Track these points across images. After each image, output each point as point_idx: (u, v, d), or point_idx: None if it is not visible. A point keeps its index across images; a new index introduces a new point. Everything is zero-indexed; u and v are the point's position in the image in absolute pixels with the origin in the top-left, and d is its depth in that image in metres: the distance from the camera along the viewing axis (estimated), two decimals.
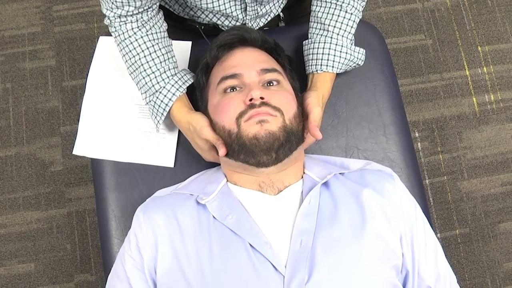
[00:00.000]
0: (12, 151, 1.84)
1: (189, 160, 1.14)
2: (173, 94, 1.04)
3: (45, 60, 1.92)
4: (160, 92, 1.05)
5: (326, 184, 0.95)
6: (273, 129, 0.89)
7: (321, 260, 0.83)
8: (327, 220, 0.89)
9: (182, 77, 1.08)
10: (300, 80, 1.10)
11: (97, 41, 1.21)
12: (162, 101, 1.05)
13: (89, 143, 1.16)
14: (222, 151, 0.93)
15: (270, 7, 1.19)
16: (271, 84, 0.96)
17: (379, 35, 1.26)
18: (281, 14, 1.27)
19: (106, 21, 1.07)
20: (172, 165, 1.13)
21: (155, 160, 1.14)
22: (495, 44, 1.97)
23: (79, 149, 1.16)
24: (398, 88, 1.22)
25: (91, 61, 1.20)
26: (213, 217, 0.90)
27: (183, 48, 1.19)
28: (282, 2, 1.24)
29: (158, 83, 1.05)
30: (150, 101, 1.07)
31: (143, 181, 1.13)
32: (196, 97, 1.07)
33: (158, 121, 1.07)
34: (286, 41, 1.17)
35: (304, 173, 0.98)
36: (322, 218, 0.89)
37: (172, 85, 1.05)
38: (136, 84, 1.10)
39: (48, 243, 1.77)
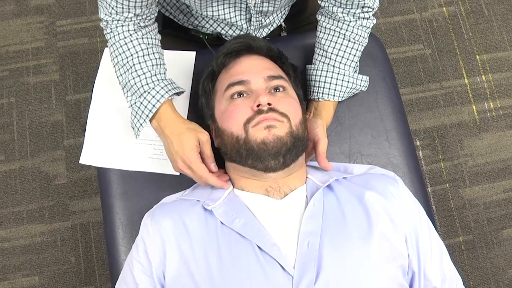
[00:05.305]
0: (16, 165, 1.84)
1: None
2: (162, 95, 1.04)
3: (48, 75, 1.94)
4: (149, 93, 1.04)
5: (330, 187, 0.96)
6: (280, 134, 0.91)
7: (329, 260, 0.84)
8: (332, 221, 0.90)
9: (171, 83, 1.08)
10: (304, 88, 1.12)
11: (103, 52, 1.23)
12: (149, 101, 1.04)
13: (96, 152, 1.17)
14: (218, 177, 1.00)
15: (274, 18, 1.21)
16: (278, 90, 0.98)
17: (379, 44, 1.28)
18: (283, 24, 1.30)
19: (103, 24, 1.08)
20: (177, 173, 1.14)
21: (161, 168, 1.15)
22: (493, 52, 1.99)
23: (85, 159, 1.17)
24: (399, 94, 1.24)
25: (97, 71, 1.21)
26: (221, 222, 0.91)
27: (187, 58, 1.20)
28: (284, 13, 1.26)
29: (147, 84, 1.05)
30: (135, 103, 1.06)
31: (150, 189, 1.14)
32: (201, 105, 1.08)
33: (141, 124, 1.06)
34: (288, 50, 1.18)
35: (307, 177, 1.00)
36: (327, 219, 0.90)
37: (162, 87, 1.05)
38: (123, 87, 1.09)
39: (52, 256, 1.76)
